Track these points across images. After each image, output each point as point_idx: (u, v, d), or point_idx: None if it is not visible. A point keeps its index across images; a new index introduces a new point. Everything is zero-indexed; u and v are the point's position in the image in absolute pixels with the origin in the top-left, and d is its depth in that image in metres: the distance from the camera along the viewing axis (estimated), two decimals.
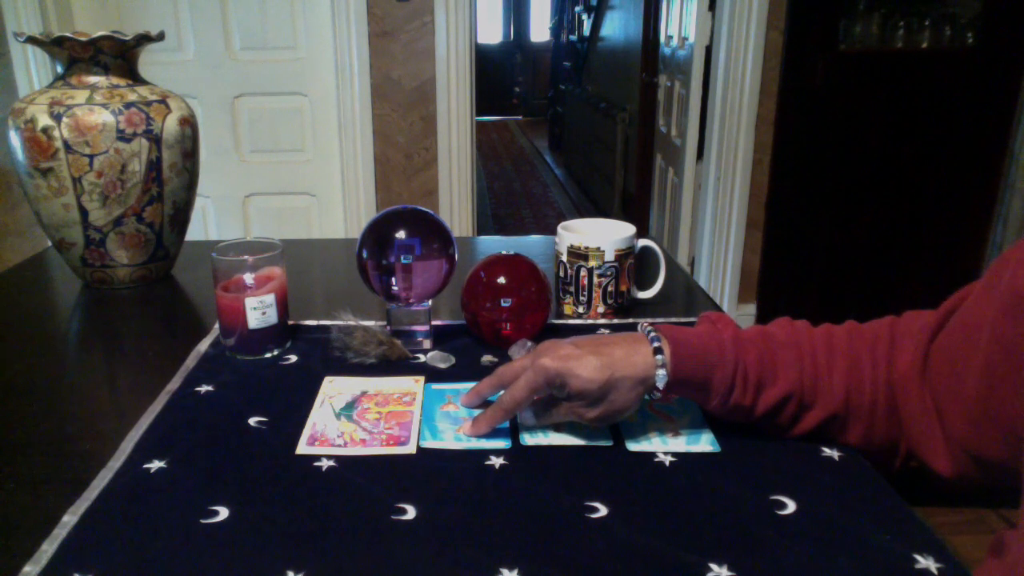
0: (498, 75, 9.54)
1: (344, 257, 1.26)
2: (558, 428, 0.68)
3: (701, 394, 0.64)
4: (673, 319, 0.93)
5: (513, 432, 0.68)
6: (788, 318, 0.69)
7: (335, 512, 0.57)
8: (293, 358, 0.83)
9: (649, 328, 0.65)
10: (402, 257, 0.79)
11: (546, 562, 0.51)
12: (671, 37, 3.32)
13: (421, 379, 0.78)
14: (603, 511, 0.57)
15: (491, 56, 9.43)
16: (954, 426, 0.59)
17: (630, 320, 0.93)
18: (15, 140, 0.97)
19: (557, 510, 0.57)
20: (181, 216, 1.08)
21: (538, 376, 0.62)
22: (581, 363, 0.61)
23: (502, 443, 0.66)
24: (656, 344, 0.63)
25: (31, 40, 0.97)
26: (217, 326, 0.86)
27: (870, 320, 0.68)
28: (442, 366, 0.81)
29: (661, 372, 0.62)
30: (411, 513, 0.56)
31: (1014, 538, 0.46)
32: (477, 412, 0.68)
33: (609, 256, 0.90)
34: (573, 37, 7.44)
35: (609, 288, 0.91)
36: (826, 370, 0.64)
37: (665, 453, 0.65)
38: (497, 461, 0.63)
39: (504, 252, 0.87)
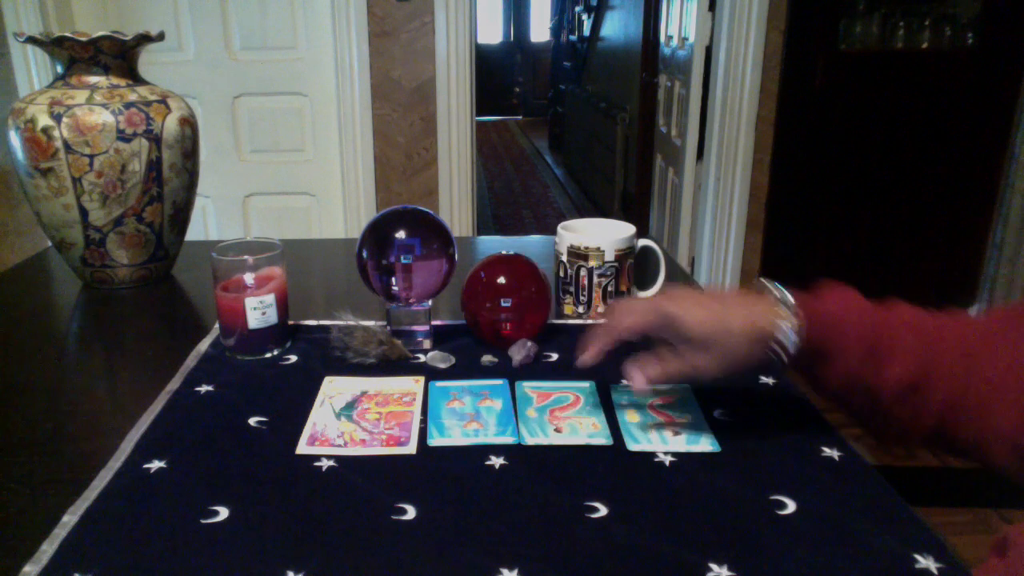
0: (498, 75, 9.53)
1: (344, 257, 1.26)
2: (558, 428, 0.68)
3: (822, 363, 0.62)
4: None
5: (518, 429, 0.68)
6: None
7: (335, 512, 0.57)
8: (293, 358, 0.83)
9: (777, 288, 0.65)
10: (402, 257, 0.79)
11: (546, 562, 0.51)
12: (671, 37, 3.32)
13: (421, 379, 0.78)
14: (603, 511, 0.57)
15: (491, 56, 9.42)
16: (1007, 418, 0.57)
17: None
18: (15, 140, 0.97)
19: (557, 510, 0.57)
20: (181, 216, 1.08)
21: (653, 311, 0.63)
22: (695, 310, 0.62)
23: (510, 439, 0.66)
24: (784, 305, 0.63)
25: (31, 40, 0.97)
26: (217, 326, 0.86)
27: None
28: (442, 366, 0.81)
29: (788, 330, 0.61)
30: (411, 513, 0.56)
31: (1018, 533, 0.45)
32: (481, 419, 0.70)
33: (609, 256, 0.90)
34: (573, 37, 7.43)
35: (609, 288, 0.91)
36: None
37: (665, 453, 0.65)
38: (497, 461, 0.63)
39: (504, 252, 0.87)
